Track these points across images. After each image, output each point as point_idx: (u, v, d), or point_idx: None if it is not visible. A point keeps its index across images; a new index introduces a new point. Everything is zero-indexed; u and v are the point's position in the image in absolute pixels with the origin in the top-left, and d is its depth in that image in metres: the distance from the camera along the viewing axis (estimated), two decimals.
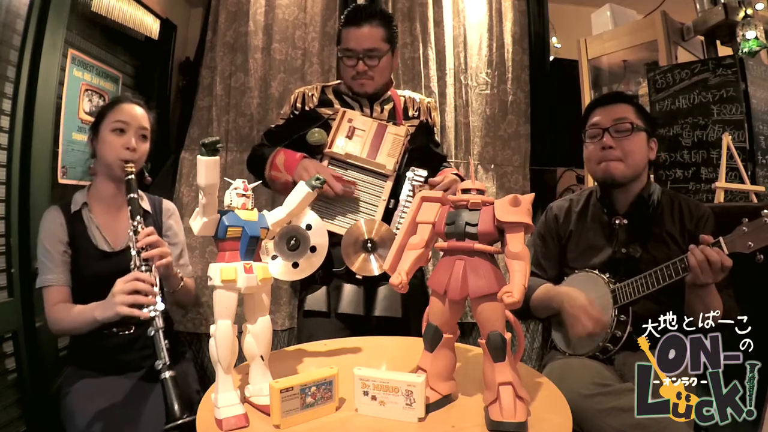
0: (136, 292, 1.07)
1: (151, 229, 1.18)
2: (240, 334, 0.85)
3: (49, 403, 1.30)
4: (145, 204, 1.36)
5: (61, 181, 1.59)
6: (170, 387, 0.97)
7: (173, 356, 1.30)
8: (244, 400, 0.84)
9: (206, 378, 1.80)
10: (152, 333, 1.04)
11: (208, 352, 0.83)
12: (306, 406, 0.78)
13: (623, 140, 1.27)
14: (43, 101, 1.48)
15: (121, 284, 1.08)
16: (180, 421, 0.92)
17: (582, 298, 1.20)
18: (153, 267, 1.14)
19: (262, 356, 0.85)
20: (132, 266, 1.12)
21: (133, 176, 1.24)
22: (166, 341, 1.03)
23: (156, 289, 1.10)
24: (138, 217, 1.18)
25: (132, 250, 1.14)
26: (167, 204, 1.43)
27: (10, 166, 1.41)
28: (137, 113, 1.30)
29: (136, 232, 1.15)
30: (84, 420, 1.09)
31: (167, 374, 0.99)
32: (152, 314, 1.06)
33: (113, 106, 1.29)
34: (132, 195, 1.21)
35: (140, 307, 1.06)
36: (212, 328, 0.81)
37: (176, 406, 0.94)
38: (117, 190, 1.30)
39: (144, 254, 1.13)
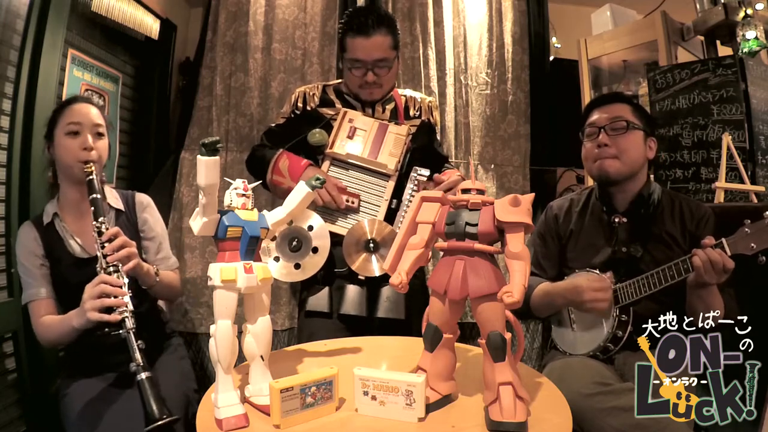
0: (105, 295, 1.05)
1: (116, 229, 1.15)
2: (240, 334, 0.86)
3: (49, 403, 1.30)
4: (117, 202, 1.33)
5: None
6: (147, 388, 0.95)
7: (160, 349, 1.31)
8: (244, 400, 0.84)
9: (206, 378, 1.80)
10: (123, 335, 1.02)
11: (208, 352, 0.83)
12: (306, 406, 0.78)
13: (618, 138, 1.28)
14: (43, 101, 1.48)
15: (89, 290, 1.06)
16: (160, 423, 0.90)
17: (583, 283, 1.20)
18: (120, 268, 1.11)
19: (262, 356, 0.86)
20: (98, 269, 1.10)
21: (93, 176, 1.21)
22: (140, 342, 1.01)
23: (125, 290, 1.08)
24: (101, 218, 1.15)
25: (98, 252, 1.12)
26: (140, 197, 1.40)
27: (10, 166, 1.41)
28: (90, 111, 1.27)
29: (100, 233, 1.13)
30: (83, 421, 1.09)
31: (143, 375, 0.97)
32: (122, 316, 1.04)
33: (64, 108, 1.26)
34: (94, 195, 1.18)
35: (110, 310, 1.04)
36: (212, 328, 0.81)
37: (155, 408, 0.92)
38: (83, 194, 1.26)
39: (109, 258, 1.11)
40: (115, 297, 1.06)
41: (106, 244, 1.12)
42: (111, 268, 1.10)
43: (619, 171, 1.28)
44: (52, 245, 1.24)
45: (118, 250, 1.12)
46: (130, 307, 1.06)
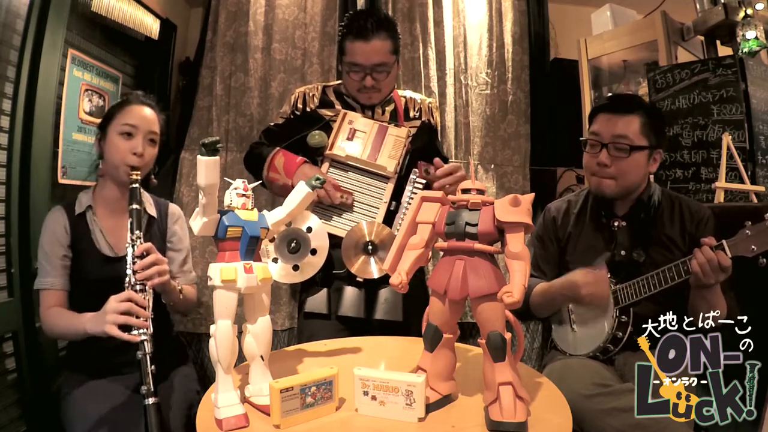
0: (129, 314, 1.03)
1: (148, 245, 1.12)
2: (240, 334, 0.86)
3: (49, 403, 1.30)
4: (151, 208, 1.32)
5: (61, 181, 1.59)
6: (152, 415, 0.95)
7: (174, 361, 1.31)
8: (244, 400, 0.84)
9: (206, 378, 1.80)
10: (139, 357, 1.01)
11: (208, 352, 0.83)
12: (306, 406, 0.78)
13: (620, 161, 1.22)
14: (43, 101, 1.47)
15: (114, 303, 1.04)
16: None
17: (578, 279, 1.19)
18: (147, 287, 1.09)
19: (262, 356, 0.86)
20: (126, 284, 1.08)
21: (137, 185, 1.18)
22: (152, 366, 1.00)
23: (149, 312, 1.06)
24: (137, 231, 1.12)
25: (128, 267, 1.10)
26: (173, 208, 1.39)
27: (10, 166, 1.41)
28: (147, 116, 1.25)
29: (134, 247, 1.11)
30: (83, 421, 1.09)
31: (150, 401, 0.96)
32: (142, 338, 1.02)
33: (122, 107, 1.25)
34: (135, 206, 1.15)
35: (129, 328, 1.03)
36: (212, 328, 0.81)
37: None
38: (122, 194, 1.25)
39: (139, 275, 1.08)
40: (138, 317, 1.04)
41: (137, 260, 1.10)
42: (138, 286, 1.08)
43: (614, 192, 1.26)
44: (80, 237, 1.22)
45: (149, 268, 1.10)
46: (150, 330, 1.04)
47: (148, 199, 1.34)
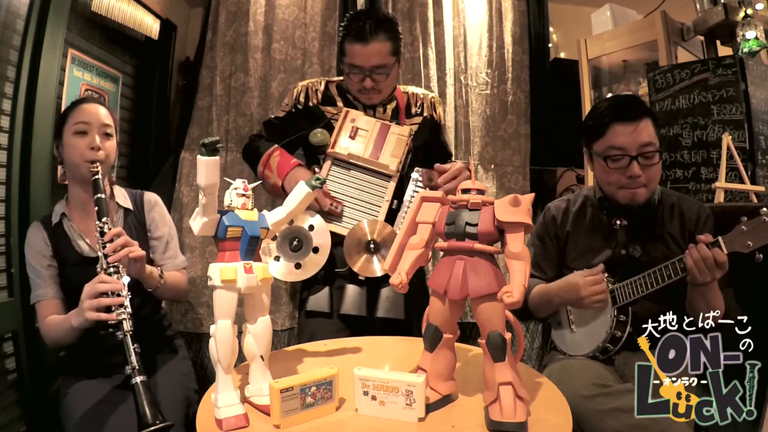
0: (103, 295, 1.05)
1: (118, 229, 1.14)
2: (240, 334, 0.86)
3: (49, 403, 1.30)
4: (126, 201, 1.34)
5: (60, 181, 1.59)
6: (141, 392, 0.95)
7: (161, 350, 1.31)
8: (244, 400, 0.84)
9: (206, 378, 1.80)
10: (120, 337, 1.02)
11: (208, 352, 0.83)
12: (306, 406, 0.78)
13: (650, 168, 1.21)
14: (43, 101, 1.47)
15: (87, 289, 1.06)
16: (153, 428, 0.90)
17: (579, 281, 1.19)
18: (121, 269, 1.11)
19: (262, 356, 0.86)
20: (98, 269, 1.10)
21: (99, 176, 1.21)
22: (135, 345, 1.01)
23: (125, 291, 1.07)
24: (104, 218, 1.15)
25: (99, 252, 1.12)
26: (149, 196, 1.40)
27: (10, 166, 1.41)
28: (98, 112, 1.27)
29: (102, 234, 1.13)
30: (83, 421, 1.09)
31: (138, 379, 0.97)
32: (119, 318, 1.03)
33: (73, 108, 1.28)
34: (99, 195, 1.18)
35: (108, 310, 1.04)
36: (212, 328, 0.81)
37: (148, 413, 0.92)
38: (90, 194, 1.25)
39: (110, 258, 1.10)
40: (116, 296, 1.05)
41: (107, 244, 1.12)
42: (111, 269, 1.10)
43: (646, 197, 1.24)
44: (60, 245, 1.24)
45: (120, 250, 1.12)
46: (129, 309, 1.05)
47: (121, 192, 1.35)
